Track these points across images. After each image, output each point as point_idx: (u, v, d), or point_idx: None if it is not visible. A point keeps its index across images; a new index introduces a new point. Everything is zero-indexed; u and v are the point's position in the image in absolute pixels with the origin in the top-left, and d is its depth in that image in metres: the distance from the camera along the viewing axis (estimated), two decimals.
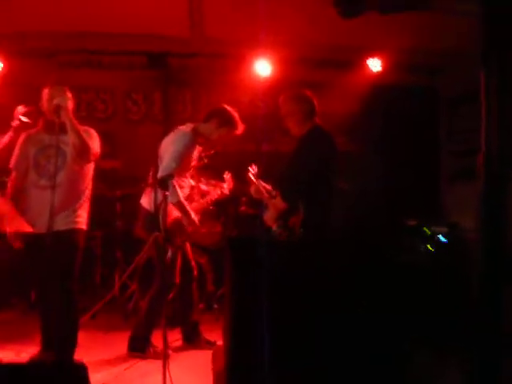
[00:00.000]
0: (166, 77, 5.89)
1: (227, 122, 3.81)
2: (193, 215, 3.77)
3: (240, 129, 3.85)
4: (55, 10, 4.59)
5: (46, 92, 3.25)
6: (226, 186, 4.22)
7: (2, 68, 5.24)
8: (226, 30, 5.10)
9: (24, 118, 3.69)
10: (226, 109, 3.87)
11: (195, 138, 3.77)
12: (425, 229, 5.19)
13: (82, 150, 3.15)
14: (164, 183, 2.90)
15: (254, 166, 3.92)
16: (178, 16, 4.97)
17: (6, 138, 3.60)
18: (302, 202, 3.26)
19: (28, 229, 3.01)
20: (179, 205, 3.64)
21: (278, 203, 3.39)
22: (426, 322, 3.53)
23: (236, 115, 3.85)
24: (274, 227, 3.39)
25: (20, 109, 3.38)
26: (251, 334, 2.58)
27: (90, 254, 5.05)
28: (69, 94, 3.29)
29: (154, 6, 4.66)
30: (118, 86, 6.07)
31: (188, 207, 3.73)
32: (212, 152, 3.59)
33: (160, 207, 3.52)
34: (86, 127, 3.38)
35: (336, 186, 3.49)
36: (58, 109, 3.09)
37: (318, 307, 2.75)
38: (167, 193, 2.91)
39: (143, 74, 5.80)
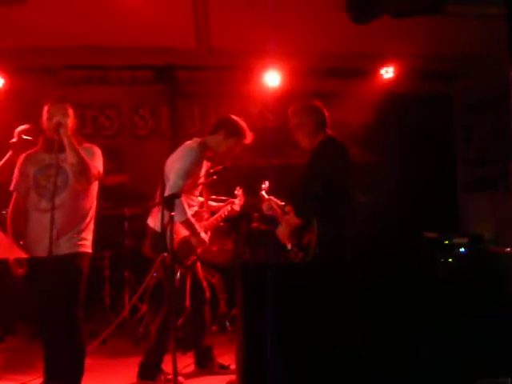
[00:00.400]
0: (172, 91, 5.77)
1: (234, 131, 3.63)
2: (202, 234, 3.59)
3: (249, 138, 3.67)
4: (57, 24, 4.47)
5: (45, 109, 3.10)
6: (238, 202, 4.03)
7: (4, 84, 5.14)
8: (233, 41, 4.96)
9: (25, 136, 3.59)
10: (232, 118, 3.70)
11: (202, 152, 3.60)
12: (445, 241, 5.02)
13: (81, 170, 2.99)
14: (169, 203, 2.71)
15: (265, 182, 3.76)
16: (184, 28, 4.83)
17: (6, 156, 3.47)
18: (316, 217, 3.08)
19: (23, 255, 2.84)
20: (187, 223, 3.47)
21: (292, 219, 3.22)
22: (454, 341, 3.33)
23: (243, 124, 3.67)
24: (289, 246, 3.20)
25: (21, 127, 3.24)
26: (263, 360, 2.52)
27: (98, 275, 4.90)
28: (70, 111, 3.14)
29: (158, 18, 4.53)
30: (123, 101, 5.95)
31: (197, 225, 3.55)
32: (221, 167, 3.40)
33: (167, 227, 3.38)
34: (89, 145, 3.23)
35: (353, 199, 3.29)
36: (57, 126, 2.95)
37: (332, 330, 2.68)
38: (173, 213, 2.72)
39: (149, 88, 5.69)
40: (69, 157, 2.97)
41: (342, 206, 3.14)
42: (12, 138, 3.89)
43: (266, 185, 3.77)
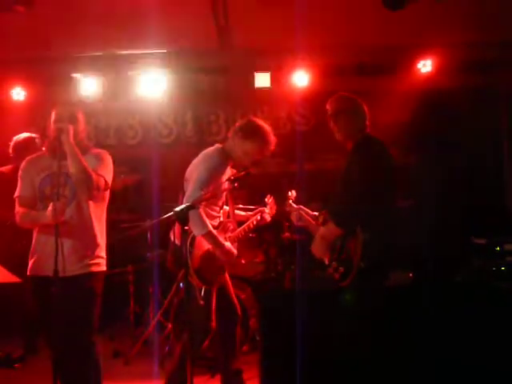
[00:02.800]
0: (197, 95, 5.54)
1: (252, 133, 3.32)
2: (227, 245, 3.29)
3: (270, 143, 3.35)
4: (74, 32, 4.32)
5: (52, 114, 2.87)
6: (268, 210, 3.71)
7: (26, 96, 5.05)
8: (257, 40, 4.70)
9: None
10: (251, 120, 3.41)
11: (224, 159, 3.31)
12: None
13: (83, 179, 2.74)
14: (182, 216, 2.42)
15: (292, 191, 3.46)
16: (205, 29, 4.62)
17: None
18: (361, 226, 2.72)
19: (14, 279, 2.60)
20: (208, 236, 3.19)
21: (330, 230, 2.84)
22: None
23: (265, 127, 3.36)
24: (326, 260, 2.85)
25: (17, 137, 3.02)
26: None
27: (122, 291, 4.70)
28: (79, 117, 2.91)
29: (178, 20, 4.33)
30: (147, 109, 5.75)
31: (220, 238, 3.26)
32: (243, 174, 3.08)
33: (187, 243, 3.13)
34: (98, 151, 2.99)
35: (396, 205, 2.94)
36: (59, 132, 2.71)
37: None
38: (186, 227, 2.43)
39: (173, 94, 5.46)
40: (69, 165, 2.73)
41: (387, 212, 2.79)
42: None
43: (292, 193, 3.48)
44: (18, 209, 2.88)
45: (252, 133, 3.32)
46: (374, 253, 2.68)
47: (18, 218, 2.89)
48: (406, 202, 4.42)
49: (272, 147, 3.37)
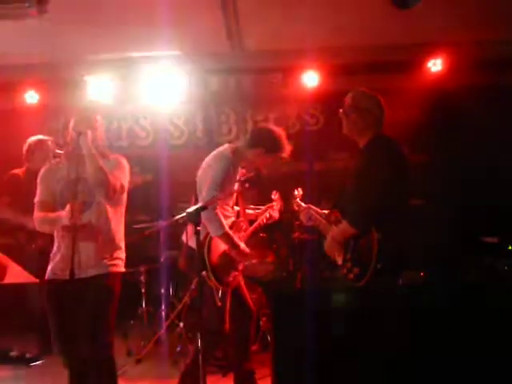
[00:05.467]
0: (206, 97, 5.56)
1: (274, 149, 3.34)
2: (242, 246, 3.31)
3: (287, 152, 3.37)
4: (87, 36, 4.36)
5: (72, 119, 2.91)
6: (276, 206, 3.73)
7: (39, 99, 5.11)
8: (267, 42, 4.71)
9: (59, 151, 3.47)
10: (271, 133, 3.37)
11: (237, 160, 3.33)
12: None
13: (100, 183, 2.77)
14: (194, 217, 2.44)
15: (298, 189, 3.43)
16: (216, 31, 4.64)
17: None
18: (376, 226, 2.68)
19: (31, 279, 2.64)
20: (226, 237, 3.20)
21: (343, 230, 2.79)
22: None
23: (283, 137, 3.36)
24: (339, 260, 2.83)
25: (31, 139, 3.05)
26: None
27: (134, 291, 4.74)
28: (98, 122, 2.94)
29: (187, 22, 4.35)
30: (158, 111, 5.79)
31: (236, 238, 3.28)
32: (254, 175, 3.10)
33: (203, 243, 3.14)
34: (115, 156, 3.02)
35: (409, 203, 2.91)
36: (78, 136, 2.75)
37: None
38: (198, 228, 2.44)
39: (183, 96, 5.49)
40: (87, 168, 2.77)
41: (402, 211, 2.76)
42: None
43: (299, 192, 3.43)
44: (36, 214, 2.91)
45: (275, 148, 3.34)
46: (389, 253, 2.64)
47: (36, 223, 2.91)
48: (417, 201, 4.39)
49: (286, 154, 3.38)
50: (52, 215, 2.86)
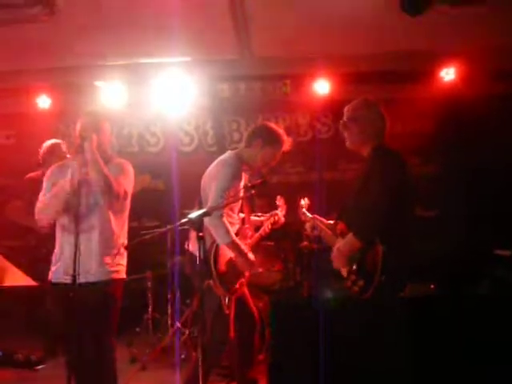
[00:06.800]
0: (217, 104, 5.56)
1: (271, 140, 3.32)
2: (250, 255, 3.29)
3: (286, 145, 3.34)
4: (96, 42, 4.38)
5: (78, 122, 2.93)
6: (280, 211, 3.69)
7: (51, 104, 5.16)
8: (277, 49, 4.70)
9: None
10: (267, 125, 3.41)
11: (239, 166, 3.31)
12: None
13: (103, 188, 2.77)
14: (197, 223, 2.41)
15: (305, 198, 3.40)
16: (226, 38, 4.64)
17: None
18: (381, 238, 2.63)
19: (31, 283, 2.64)
20: (233, 245, 3.18)
21: (351, 241, 2.72)
22: None
23: (280, 131, 3.37)
24: (344, 272, 2.78)
25: (46, 143, 3.06)
26: None
27: (140, 297, 4.74)
28: (105, 126, 2.95)
29: (197, 29, 4.35)
30: (169, 117, 5.80)
31: (243, 246, 3.25)
32: (260, 181, 3.07)
33: (210, 251, 3.13)
34: (120, 161, 3.02)
35: (414, 215, 2.86)
36: (82, 140, 2.75)
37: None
38: (201, 234, 2.42)
39: (194, 102, 5.50)
40: (91, 173, 2.77)
41: (407, 223, 2.70)
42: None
43: (305, 201, 3.39)
44: (38, 203, 2.90)
45: (272, 139, 3.32)
46: (393, 265, 2.59)
47: (38, 211, 2.89)
48: (428, 213, 4.32)
49: (287, 148, 3.35)
50: (54, 190, 2.83)
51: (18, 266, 3.66)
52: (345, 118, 2.93)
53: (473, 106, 5.13)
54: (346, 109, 2.96)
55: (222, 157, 3.38)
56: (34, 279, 3.53)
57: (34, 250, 4.24)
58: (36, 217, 2.91)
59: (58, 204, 2.82)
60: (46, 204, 2.86)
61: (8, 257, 3.70)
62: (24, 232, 4.35)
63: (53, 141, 4.33)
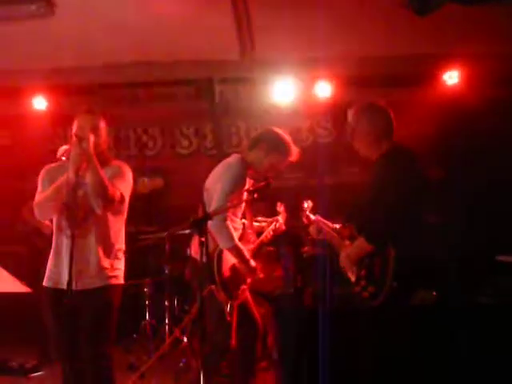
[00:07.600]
0: (216, 106, 5.49)
1: (276, 145, 3.24)
2: (252, 261, 3.22)
3: (293, 153, 3.27)
4: (94, 41, 4.31)
5: (75, 122, 2.83)
6: (281, 218, 3.62)
7: (47, 107, 5.06)
8: (279, 52, 4.64)
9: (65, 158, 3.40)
10: (272, 130, 3.32)
11: (244, 170, 3.22)
12: None
13: (98, 191, 2.67)
14: (199, 226, 2.33)
15: (308, 201, 3.32)
16: (227, 41, 4.58)
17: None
18: (392, 243, 2.55)
19: (24, 289, 2.54)
20: (235, 250, 3.11)
21: (362, 246, 2.65)
22: None
23: (286, 137, 3.29)
24: (352, 278, 2.70)
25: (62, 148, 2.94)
26: None
27: (138, 303, 4.67)
28: (101, 126, 2.86)
29: (198, 30, 4.30)
30: (166, 120, 5.73)
31: (246, 251, 3.17)
32: (263, 184, 2.99)
33: (213, 256, 3.05)
34: (118, 163, 2.93)
35: (424, 220, 2.78)
36: (79, 141, 2.66)
37: None
38: (203, 239, 2.34)
39: (192, 105, 5.43)
40: (87, 175, 2.67)
41: (419, 227, 2.62)
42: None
43: (308, 204, 3.32)
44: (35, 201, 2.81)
45: (277, 145, 3.24)
46: (405, 271, 2.52)
47: (37, 207, 2.79)
48: (431, 218, 4.26)
49: (295, 157, 3.28)
50: (55, 184, 2.73)
51: (22, 270, 3.57)
52: (349, 121, 2.86)
53: (475, 110, 5.09)
54: (349, 112, 2.90)
55: (227, 159, 3.31)
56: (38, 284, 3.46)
57: (42, 252, 4.14)
58: (35, 212, 2.81)
59: (57, 198, 2.72)
60: (45, 197, 2.76)
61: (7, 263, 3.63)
62: (32, 234, 4.29)
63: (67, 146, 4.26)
